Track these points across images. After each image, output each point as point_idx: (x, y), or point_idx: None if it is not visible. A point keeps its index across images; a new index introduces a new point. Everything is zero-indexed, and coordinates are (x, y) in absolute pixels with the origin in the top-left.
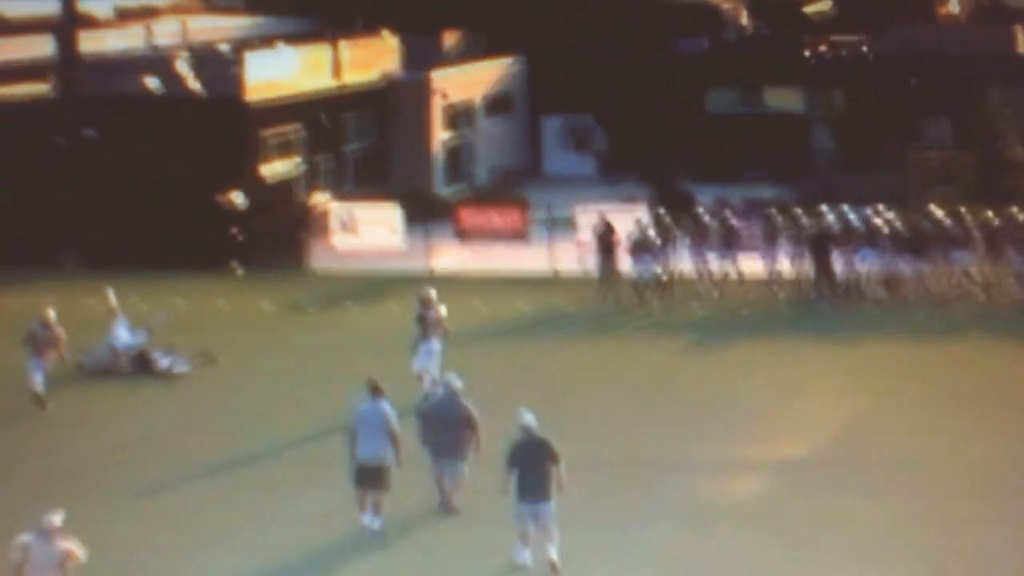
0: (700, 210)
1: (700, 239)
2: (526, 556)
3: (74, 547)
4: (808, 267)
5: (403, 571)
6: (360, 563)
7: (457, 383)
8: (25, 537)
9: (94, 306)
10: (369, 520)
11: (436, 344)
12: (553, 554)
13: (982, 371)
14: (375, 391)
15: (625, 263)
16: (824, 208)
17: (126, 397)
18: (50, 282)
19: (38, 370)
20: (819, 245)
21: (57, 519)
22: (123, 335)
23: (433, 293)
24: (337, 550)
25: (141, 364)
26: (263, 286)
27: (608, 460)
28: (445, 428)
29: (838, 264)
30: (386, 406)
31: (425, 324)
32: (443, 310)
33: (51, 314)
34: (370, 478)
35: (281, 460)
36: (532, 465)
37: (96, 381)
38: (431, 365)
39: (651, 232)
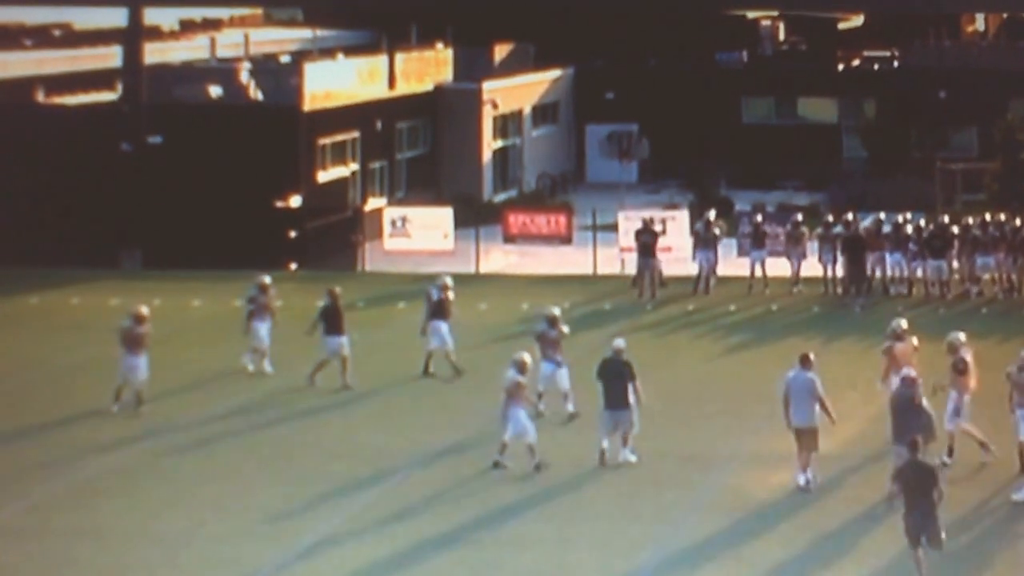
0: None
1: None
2: (605, 444)
3: None
4: (841, 269)
5: None
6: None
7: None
8: None
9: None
10: (803, 478)
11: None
12: (625, 455)
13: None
14: (804, 362)
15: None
16: (856, 214)
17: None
18: (109, 281)
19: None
20: (853, 248)
21: None
22: None
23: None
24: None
25: None
26: (318, 286)
27: (647, 454)
28: (908, 412)
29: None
30: (813, 375)
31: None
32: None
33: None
34: (805, 439)
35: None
36: (614, 380)
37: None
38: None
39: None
